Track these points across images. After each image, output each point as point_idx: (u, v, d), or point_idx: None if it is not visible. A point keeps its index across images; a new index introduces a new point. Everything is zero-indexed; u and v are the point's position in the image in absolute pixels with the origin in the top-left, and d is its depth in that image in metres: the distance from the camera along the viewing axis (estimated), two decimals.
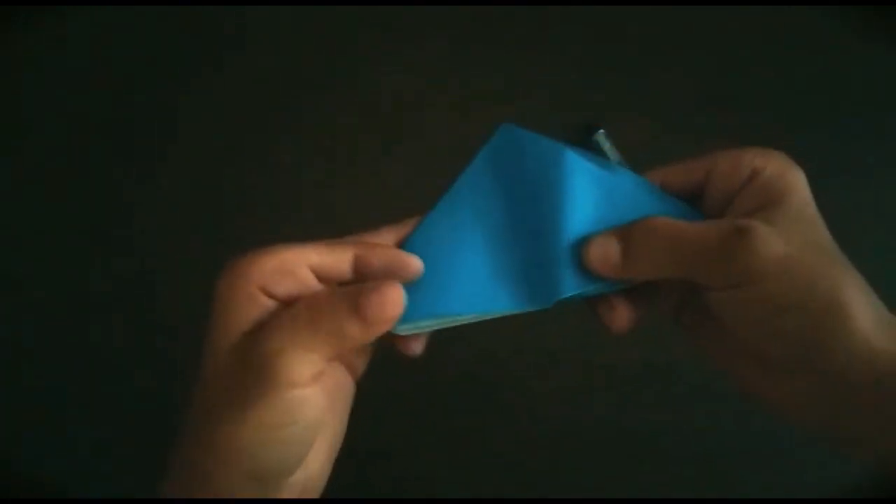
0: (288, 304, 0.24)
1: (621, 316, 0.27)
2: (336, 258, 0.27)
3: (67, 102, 0.53)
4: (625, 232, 0.26)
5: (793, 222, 0.25)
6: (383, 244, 0.28)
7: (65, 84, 0.53)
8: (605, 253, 0.26)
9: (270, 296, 0.25)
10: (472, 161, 0.30)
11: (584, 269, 0.26)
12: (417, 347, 0.27)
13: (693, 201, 0.29)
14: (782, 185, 0.26)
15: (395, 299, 0.23)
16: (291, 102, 0.52)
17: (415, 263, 0.27)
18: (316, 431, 0.24)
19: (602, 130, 0.50)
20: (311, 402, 0.23)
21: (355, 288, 0.23)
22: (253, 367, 0.23)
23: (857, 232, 0.49)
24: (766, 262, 0.23)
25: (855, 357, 0.23)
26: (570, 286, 0.26)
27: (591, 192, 0.28)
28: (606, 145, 0.49)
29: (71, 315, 0.50)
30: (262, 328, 0.24)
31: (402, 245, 0.29)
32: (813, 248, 0.25)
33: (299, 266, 0.26)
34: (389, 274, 0.26)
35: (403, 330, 0.27)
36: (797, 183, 0.26)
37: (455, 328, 0.27)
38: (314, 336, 0.23)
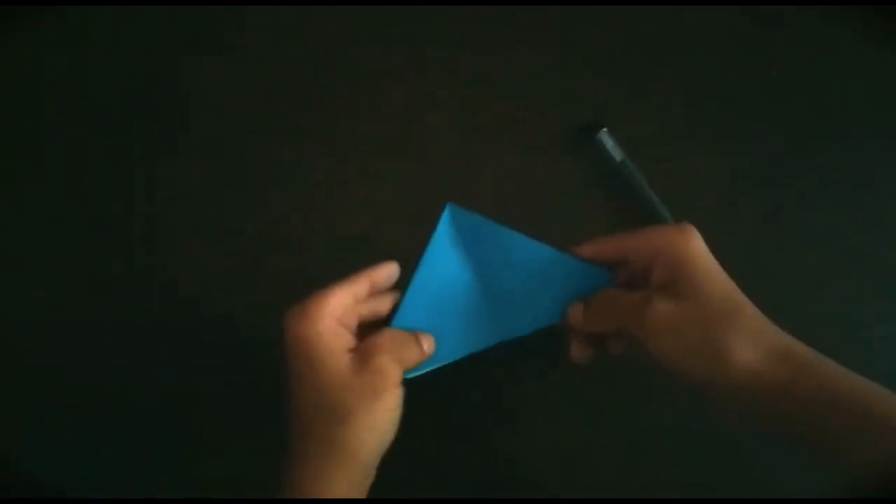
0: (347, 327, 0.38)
1: (583, 353, 0.41)
2: (360, 289, 0.39)
3: (67, 102, 0.53)
4: (587, 300, 0.40)
5: (691, 288, 0.35)
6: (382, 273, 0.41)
7: (64, 84, 0.53)
8: (574, 314, 0.40)
9: (342, 323, 0.37)
10: (429, 244, 0.42)
11: (533, 316, 0.41)
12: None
13: (617, 268, 0.41)
14: (678, 262, 0.36)
15: (432, 341, 0.40)
16: (291, 102, 0.52)
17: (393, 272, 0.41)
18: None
19: (605, 129, 0.50)
20: (401, 396, 0.37)
21: (414, 332, 0.39)
22: (376, 374, 0.35)
23: (857, 231, 0.50)
24: (657, 322, 0.35)
25: (737, 385, 0.33)
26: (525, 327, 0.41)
27: (528, 260, 0.41)
28: (609, 144, 0.49)
29: (71, 314, 0.50)
30: (369, 349, 0.36)
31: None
32: (705, 307, 0.35)
33: (349, 301, 0.38)
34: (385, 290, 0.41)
35: (411, 375, 0.39)
36: (692, 255, 0.36)
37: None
38: (401, 355, 0.37)
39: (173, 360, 0.50)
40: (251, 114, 0.52)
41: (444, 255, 0.42)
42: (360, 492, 0.36)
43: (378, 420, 0.35)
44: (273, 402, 0.49)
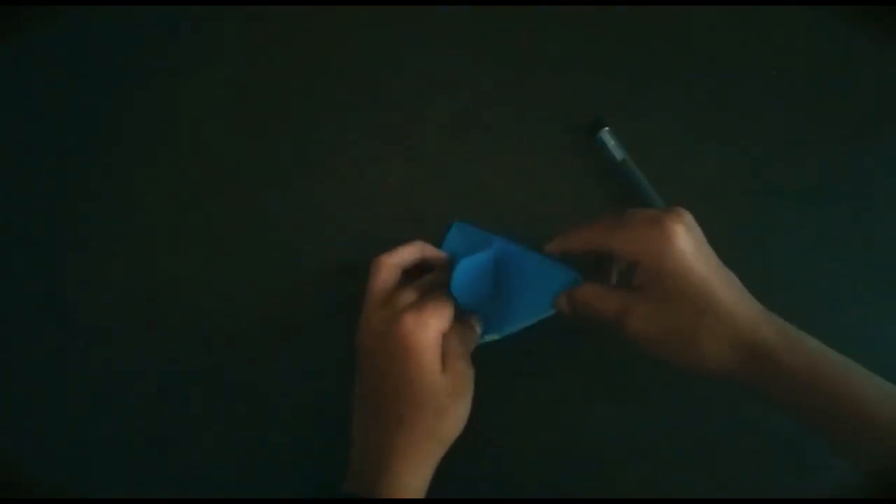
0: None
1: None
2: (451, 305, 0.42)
3: (66, 102, 0.53)
4: (569, 294, 0.42)
5: (665, 295, 0.38)
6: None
7: (63, 84, 0.53)
8: (559, 307, 0.43)
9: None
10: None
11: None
12: None
13: (603, 260, 0.45)
14: (661, 265, 0.38)
15: (478, 319, 0.45)
16: (290, 103, 0.52)
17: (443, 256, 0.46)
18: None
19: (607, 128, 0.50)
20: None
21: (468, 318, 0.44)
22: (460, 377, 0.41)
23: (857, 231, 0.50)
24: (635, 330, 0.39)
25: (712, 375, 0.38)
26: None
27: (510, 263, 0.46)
28: (610, 143, 0.49)
29: (71, 314, 0.50)
30: (450, 353, 0.41)
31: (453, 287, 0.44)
32: (680, 310, 0.37)
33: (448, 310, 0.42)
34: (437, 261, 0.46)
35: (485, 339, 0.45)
36: (675, 255, 0.37)
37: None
38: (469, 349, 0.43)
39: (173, 361, 0.49)
40: (250, 114, 0.52)
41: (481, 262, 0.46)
42: (433, 473, 0.41)
43: (462, 412, 0.40)
44: (273, 402, 0.49)
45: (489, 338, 0.45)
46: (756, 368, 0.36)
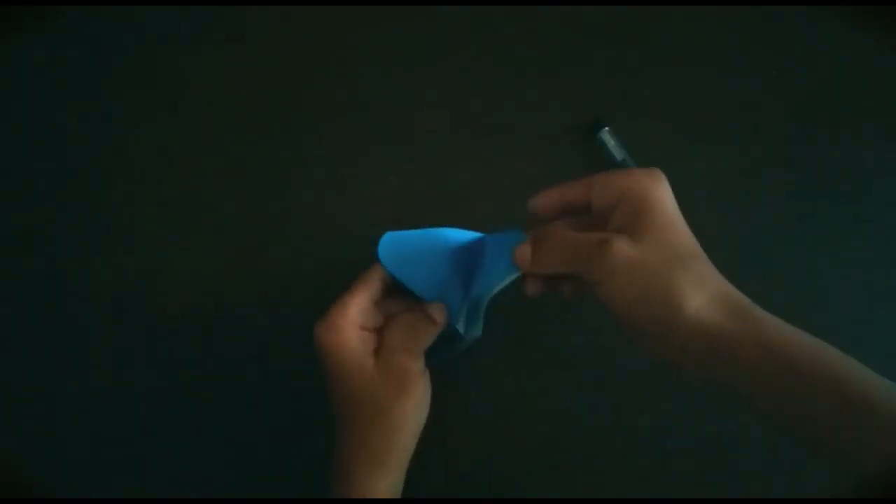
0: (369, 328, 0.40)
1: (536, 288, 0.39)
2: (375, 288, 0.40)
3: (66, 102, 0.53)
4: (534, 237, 0.38)
5: (650, 233, 0.34)
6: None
7: (63, 84, 0.53)
8: (521, 255, 0.38)
9: (364, 328, 0.39)
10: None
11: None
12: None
13: (583, 213, 0.39)
14: (643, 204, 0.35)
15: (443, 309, 0.40)
16: (290, 103, 0.52)
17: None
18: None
19: (607, 128, 0.50)
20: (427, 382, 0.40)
21: (423, 308, 0.40)
22: (399, 373, 0.38)
23: (857, 231, 0.50)
24: (614, 265, 0.33)
25: (688, 334, 0.33)
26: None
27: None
28: (611, 143, 0.49)
29: (70, 313, 0.50)
30: (386, 349, 0.39)
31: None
32: (661, 252, 0.34)
33: (367, 305, 0.40)
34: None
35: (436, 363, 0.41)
36: (656, 200, 0.35)
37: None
38: (416, 342, 0.39)
39: (173, 361, 0.50)
40: (249, 114, 0.52)
41: (436, 245, 0.43)
42: (399, 483, 0.39)
43: (408, 413, 0.38)
44: (273, 402, 0.49)
45: (468, 335, 0.42)
46: (735, 321, 0.33)
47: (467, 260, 0.43)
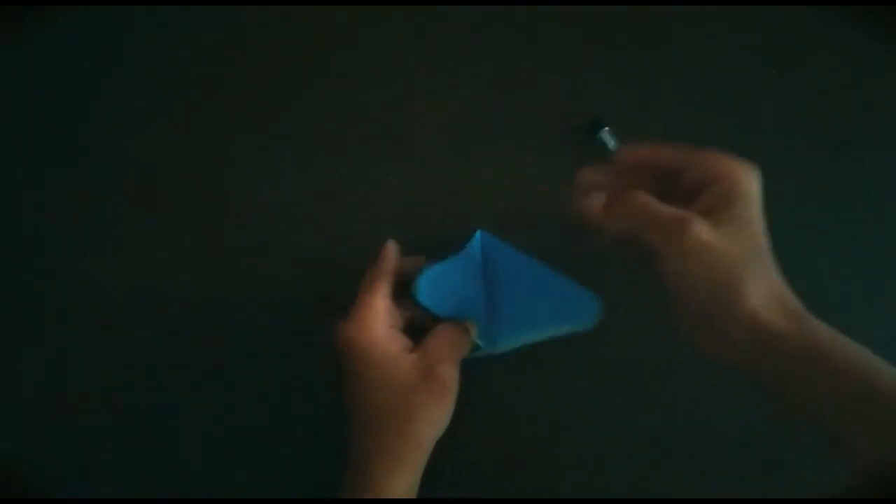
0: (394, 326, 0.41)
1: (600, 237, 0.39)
2: (390, 284, 0.42)
3: (66, 102, 0.53)
4: (611, 195, 0.37)
5: (734, 224, 0.35)
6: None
7: (63, 84, 0.53)
8: (594, 205, 0.37)
9: (392, 327, 0.41)
10: (454, 258, 0.45)
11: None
12: None
13: (671, 181, 0.38)
14: (735, 193, 0.35)
15: (475, 326, 0.43)
16: (289, 103, 0.52)
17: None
18: None
19: (606, 128, 0.50)
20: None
21: (462, 323, 0.43)
22: (442, 382, 0.39)
23: (857, 231, 0.50)
24: (691, 247, 0.34)
25: (742, 325, 0.34)
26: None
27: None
28: (611, 143, 0.49)
29: (70, 313, 0.50)
30: (431, 357, 0.40)
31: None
32: (739, 245, 0.34)
33: (391, 303, 0.41)
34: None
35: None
36: (747, 193, 0.35)
37: None
38: (458, 355, 0.41)
39: (173, 360, 0.50)
40: (249, 114, 0.52)
41: (467, 269, 0.46)
42: (416, 484, 0.40)
43: (436, 420, 0.40)
44: (274, 403, 0.49)
45: (490, 350, 0.45)
46: (792, 323, 0.34)
47: (493, 274, 0.45)
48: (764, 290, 0.34)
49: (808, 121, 0.51)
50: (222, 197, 0.51)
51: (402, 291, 0.43)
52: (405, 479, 0.39)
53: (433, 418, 0.39)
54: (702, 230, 0.34)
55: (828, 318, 0.48)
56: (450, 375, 0.40)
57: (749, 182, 0.35)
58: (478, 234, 0.47)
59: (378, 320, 0.40)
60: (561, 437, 0.48)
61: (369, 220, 0.51)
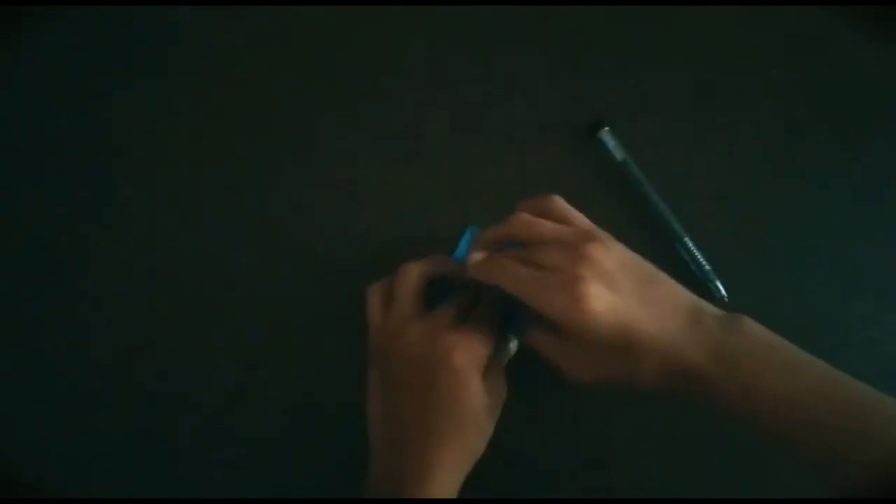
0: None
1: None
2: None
3: (66, 102, 0.53)
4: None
5: (591, 345, 0.37)
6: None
7: (63, 84, 0.53)
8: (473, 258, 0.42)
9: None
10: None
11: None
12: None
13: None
14: (576, 327, 0.36)
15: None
16: (290, 103, 0.52)
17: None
18: None
19: (607, 128, 0.50)
20: None
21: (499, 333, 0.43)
22: (499, 393, 0.42)
23: (856, 232, 0.50)
24: (570, 366, 0.39)
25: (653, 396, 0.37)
26: None
27: None
28: (611, 143, 0.49)
29: (70, 313, 0.50)
30: (491, 370, 0.41)
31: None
32: (600, 353, 0.37)
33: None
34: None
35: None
36: (579, 325, 0.36)
37: None
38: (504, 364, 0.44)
39: (174, 361, 0.49)
40: (250, 114, 0.52)
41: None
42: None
43: (493, 423, 0.41)
44: (275, 402, 0.49)
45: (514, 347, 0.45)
46: (687, 387, 0.36)
47: None
48: (646, 373, 0.37)
49: (808, 121, 0.51)
50: (221, 197, 0.51)
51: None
52: (457, 486, 0.40)
53: (491, 431, 0.41)
54: (570, 370, 0.39)
55: (832, 313, 0.48)
56: (503, 387, 0.42)
57: (585, 309, 0.36)
58: (467, 231, 0.47)
59: (490, 350, 0.41)
60: (559, 435, 0.48)
61: (369, 220, 0.51)
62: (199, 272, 0.50)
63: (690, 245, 0.48)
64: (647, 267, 0.39)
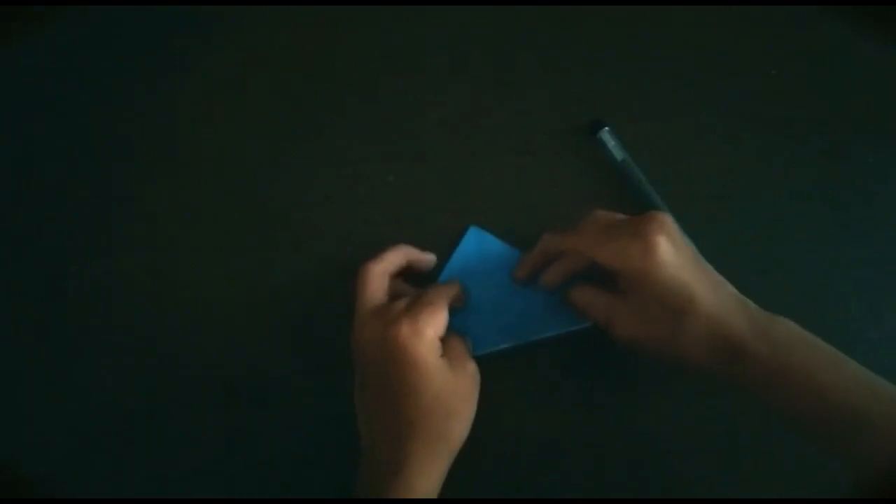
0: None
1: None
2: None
3: (67, 102, 0.53)
4: (565, 295, 0.45)
5: (647, 300, 0.39)
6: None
7: (63, 84, 0.53)
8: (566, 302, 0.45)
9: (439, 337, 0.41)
10: (451, 259, 0.48)
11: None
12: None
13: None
14: (639, 276, 0.39)
15: None
16: (291, 104, 0.52)
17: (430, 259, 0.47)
18: None
19: (607, 128, 0.50)
20: None
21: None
22: (471, 377, 0.42)
23: (856, 232, 0.50)
24: (622, 328, 0.41)
25: (695, 372, 0.39)
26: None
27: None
28: (611, 143, 0.50)
29: (71, 313, 0.50)
30: (458, 355, 0.42)
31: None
32: (659, 311, 0.39)
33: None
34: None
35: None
36: (645, 270, 0.39)
37: None
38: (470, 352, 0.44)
39: (175, 360, 0.49)
40: (250, 114, 0.52)
41: (463, 269, 0.47)
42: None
43: (470, 413, 0.41)
44: (277, 403, 0.49)
45: (492, 348, 0.45)
46: (728, 361, 0.37)
47: (490, 270, 0.47)
48: (696, 342, 0.38)
49: (807, 120, 0.51)
50: (221, 197, 0.51)
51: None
52: (437, 478, 0.40)
53: (467, 416, 0.41)
54: (620, 324, 0.41)
55: (832, 315, 0.48)
56: (475, 371, 0.42)
57: (641, 262, 0.39)
58: (470, 230, 0.48)
59: (439, 330, 0.41)
60: (561, 435, 0.48)
61: (370, 220, 0.51)
62: (199, 272, 0.50)
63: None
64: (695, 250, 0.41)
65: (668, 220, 0.40)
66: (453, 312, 0.43)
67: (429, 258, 0.47)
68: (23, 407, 0.49)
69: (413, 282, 0.46)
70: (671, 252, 0.38)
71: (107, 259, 0.51)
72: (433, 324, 0.40)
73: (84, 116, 0.53)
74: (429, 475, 0.39)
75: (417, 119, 0.52)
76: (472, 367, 0.42)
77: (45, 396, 0.49)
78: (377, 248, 0.44)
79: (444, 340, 0.41)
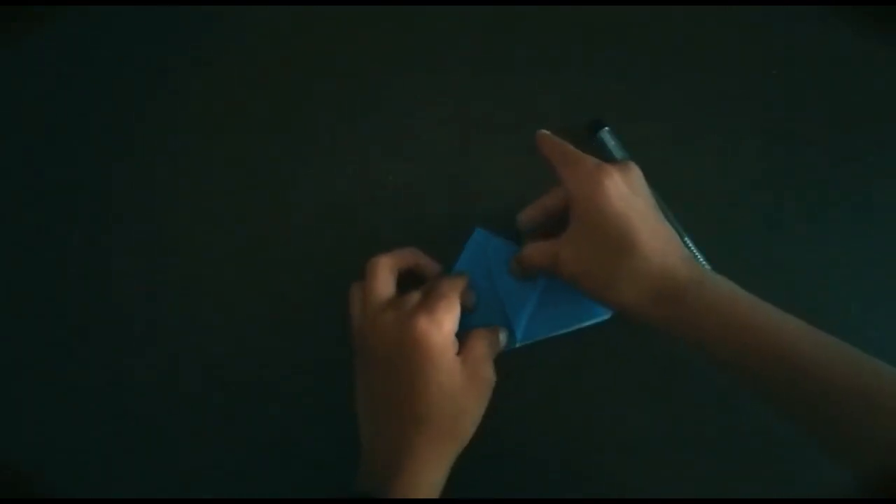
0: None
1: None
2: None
3: (67, 102, 0.53)
4: (517, 257, 0.45)
5: (586, 237, 0.40)
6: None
7: (63, 84, 0.53)
8: (514, 269, 0.46)
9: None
10: (458, 261, 0.48)
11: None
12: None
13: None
14: (581, 206, 0.40)
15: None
16: (291, 103, 0.52)
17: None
18: None
19: (607, 128, 0.50)
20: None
21: (494, 327, 0.45)
22: (485, 381, 0.41)
23: (856, 233, 0.50)
24: (566, 269, 0.41)
25: (633, 318, 0.39)
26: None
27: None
28: (611, 143, 0.50)
29: (72, 313, 0.50)
30: (477, 358, 0.41)
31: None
32: (599, 248, 0.39)
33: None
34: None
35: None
36: (593, 198, 0.39)
37: None
38: (493, 356, 0.43)
39: (176, 360, 0.50)
40: (250, 115, 0.52)
41: (470, 272, 0.47)
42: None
43: (478, 413, 0.41)
44: (278, 402, 0.49)
45: (511, 346, 0.46)
46: (665, 309, 0.38)
47: (501, 271, 0.47)
48: (631, 284, 0.38)
49: (808, 120, 0.51)
50: (221, 197, 0.51)
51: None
52: (440, 475, 0.40)
53: (475, 416, 0.41)
54: (564, 254, 0.40)
55: (830, 315, 0.48)
56: (490, 374, 0.42)
57: (590, 188, 0.39)
58: (476, 231, 0.48)
59: (455, 324, 0.40)
60: (574, 431, 0.48)
61: (369, 219, 0.51)
62: (202, 272, 0.50)
63: (690, 245, 0.48)
64: (657, 206, 0.41)
65: (633, 168, 0.40)
66: (463, 314, 0.43)
67: (435, 266, 0.47)
68: (23, 407, 0.49)
69: (413, 286, 0.46)
70: (624, 191, 0.39)
71: (107, 259, 0.51)
72: (450, 317, 0.40)
73: (84, 116, 0.53)
74: (432, 473, 0.39)
75: (418, 119, 0.52)
76: (486, 369, 0.41)
77: (45, 396, 0.49)
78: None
79: (463, 339, 0.41)
